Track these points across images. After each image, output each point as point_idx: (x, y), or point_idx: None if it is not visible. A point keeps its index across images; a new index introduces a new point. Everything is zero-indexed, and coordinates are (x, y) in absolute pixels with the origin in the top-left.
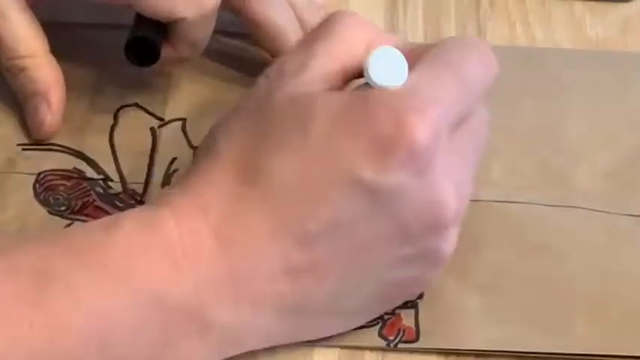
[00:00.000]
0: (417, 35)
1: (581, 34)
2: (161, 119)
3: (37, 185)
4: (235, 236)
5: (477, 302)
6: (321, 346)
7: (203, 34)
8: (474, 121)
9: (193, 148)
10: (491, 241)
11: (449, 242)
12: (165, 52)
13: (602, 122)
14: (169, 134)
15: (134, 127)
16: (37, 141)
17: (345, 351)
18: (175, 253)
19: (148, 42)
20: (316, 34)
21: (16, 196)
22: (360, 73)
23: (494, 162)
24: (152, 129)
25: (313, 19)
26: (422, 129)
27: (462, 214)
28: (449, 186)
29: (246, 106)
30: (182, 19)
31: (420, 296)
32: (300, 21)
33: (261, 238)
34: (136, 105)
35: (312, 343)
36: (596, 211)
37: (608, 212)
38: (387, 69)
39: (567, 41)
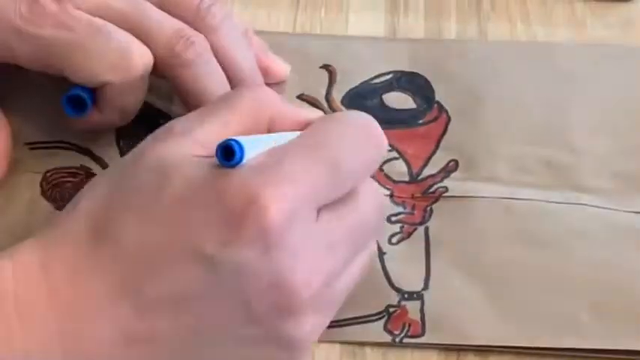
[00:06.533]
0: (418, 36)
1: (583, 34)
2: (167, 116)
3: (44, 183)
4: (71, 296)
5: (482, 297)
6: (324, 341)
7: (131, 100)
8: (356, 204)
9: None
10: (497, 236)
11: (302, 329)
12: (94, 116)
13: (609, 119)
14: None
15: (141, 124)
16: (44, 139)
17: (347, 347)
18: (7, 309)
19: (80, 99)
20: (218, 102)
21: (23, 194)
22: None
23: (501, 159)
24: (159, 125)
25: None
26: (274, 206)
27: (324, 301)
28: (301, 270)
29: (120, 161)
30: (108, 85)
31: (426, 287)
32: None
33: (98, 300)
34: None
35: None
36: (602, 208)
37: (614, 209)
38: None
39: (568, 41)
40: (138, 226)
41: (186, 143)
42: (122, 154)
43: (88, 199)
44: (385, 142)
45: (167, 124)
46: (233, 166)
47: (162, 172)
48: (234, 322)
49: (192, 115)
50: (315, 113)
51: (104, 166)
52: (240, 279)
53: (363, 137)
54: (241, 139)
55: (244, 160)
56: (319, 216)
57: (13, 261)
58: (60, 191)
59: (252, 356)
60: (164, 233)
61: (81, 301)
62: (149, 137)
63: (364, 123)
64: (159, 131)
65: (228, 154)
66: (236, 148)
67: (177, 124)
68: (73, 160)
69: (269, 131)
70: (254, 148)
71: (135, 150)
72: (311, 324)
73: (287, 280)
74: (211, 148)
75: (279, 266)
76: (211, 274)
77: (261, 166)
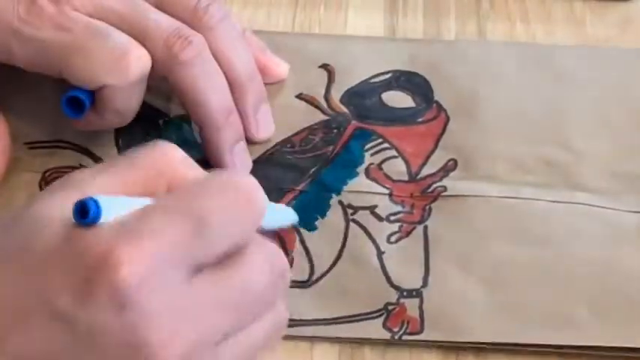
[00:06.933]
0: (417, 34)
1: (582, 33)
2: (166, 115)
3: (43, 183)
4: None
5: (480, 295)
6: (322, 341)
7: (129, 101)
8: (236, 270)
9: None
10: (496, 234)
11: None
12: (92, 117)
13: (607, 119)
14: (174, 129)
15: (140, 123)
16: (43, 139)
17: (346, 347)
18: None
19: (79, 100)
20: (121, 157)
21: (22, 194)
22: None
23: (499, 158)
24: (157, 124)
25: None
26: (126, 265)
27: None
28: (158, 330)
29: (18, 209)
30: (106, 86)
31: (424, 285)
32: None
33: None
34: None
35: (312, 338)
36: (601, 207)
37: (612, 209)
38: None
39: (567, 40)
40: (4, 278)
41: (72, 198)
42: (121, 152)
43: None
44: (261, 202)
45: (69, 174)
46: (88, 225)
47: (33, 226)
48: None
49: (93, 167)
50: None
51: None
52: (95, 338)
53: (234, 196)
54: (101, 198)
55: (101, 219)
56: (194, 277)
57: None
58: None
59: None
60: (25, 288)
61: None
62: (50, 186)
63: (237, 182)
64: (60, 180)
65: (84, 212)
66: (91, 206)
67: (77, 175)
68: (72, 159)
69: (169, 192)
70: (118, 208)
71: (33, 198)
72: None
73: (142, 342)
74: None
75: (133, 326)
76: (67, 332)
77: (119, 223)
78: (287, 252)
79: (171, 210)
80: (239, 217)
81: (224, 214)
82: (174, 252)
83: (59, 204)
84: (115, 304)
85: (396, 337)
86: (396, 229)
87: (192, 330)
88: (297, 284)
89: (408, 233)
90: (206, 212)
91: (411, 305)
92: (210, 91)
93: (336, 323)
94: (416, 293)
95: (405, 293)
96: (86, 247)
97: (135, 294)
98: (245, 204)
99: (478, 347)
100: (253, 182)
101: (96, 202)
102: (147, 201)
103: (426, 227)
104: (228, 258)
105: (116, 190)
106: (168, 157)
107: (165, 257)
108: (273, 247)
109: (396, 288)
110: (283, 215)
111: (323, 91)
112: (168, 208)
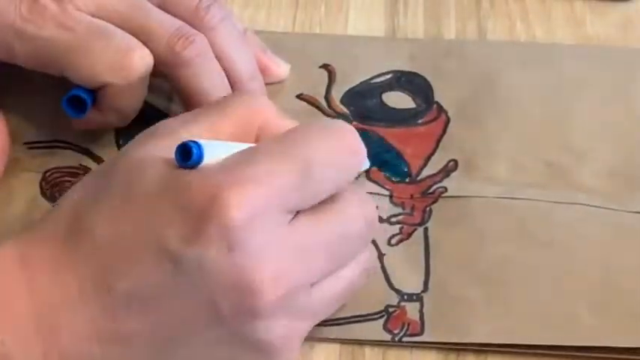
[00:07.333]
0: (418, 34)
1: (582, 33)
2: (167, 116)
3: (44, 183)
4: (48, 291)
5: (481, 295)
6: (323, 341)
7: (131, 101)
8: (335, 213)
9: None
10: (496, 235)
11: (270, 333)
12: (94, 116)
13: (608, 119)
14: None
15: (140, 123)
16: (43, 139)
17: (346, 347)
18: None
19: (80, 100)
20: (209, 105)
21: (23, 194)
22: None
23: (500, 159)
24: None
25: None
26: (236, 206)
27: (299, 307)
28: (264, 271)
29: (104, 163)
30: (108, 85)
31: (425, 289)
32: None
33: (72, 297)
34: (143, 101)
35: (312, 339)
36: (602, 208)
37: (612, 209)
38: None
39: (568, 40)
40: (108, 223)
41: (165, 145)
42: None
43: (69, 198)
44: (362, 150)
45: (156, 124)
46: (190, 167)
47: (134, 171)
48: (202, 321)
49: (181, 116)
50: None
51: None
52: (203, 277)
53: (337, 143)
54: (202, 141)
55: (203, 162)
56: (294, 221)
57: None
58: (59, 190)
59: (223, 358)
60: (131, 229)
61: (57, 296)
62: (137, 137)
63: (339, 129)
64: (147, 131)
65: (186, 154)
66: (194, 149)
67: (163, 125)
68: (72, 159)
69: (258, 140)
70: (218, 152)
71: (121, 150)
72: (283, 329)
73: (249, 281)
74: None
75: (241, 266)
76: (175, 270)
77: (227, 165)
78: None
79: (278, 154)
80: (342, 164)
81: (329, 160)
82: (280, 195)
83: (155, 151)
84: (224, 244)
85: (397, 339)
86: (397, 231)
87: (294, 272)
88: None
89: (409, 235)
90: (312, 157)
91: (411, 308)
92: (212, 91)
93: (337, 324)
94: (416, 297)
95: (405, 297)
96: (195, 188)
97: (242, 235)
98: (348, 151)
99: (479, 347)
100: (354, 131)
101: (198, 145)
102: (247, 145)
103: (426, 229)
104: (325, 203)
105: (207, 136)
106: (257, 106)
107: (270, 201)
108: (366, 196)
109: (397, 291)
110: None
111: (323, 92)
112: (275, 152)
